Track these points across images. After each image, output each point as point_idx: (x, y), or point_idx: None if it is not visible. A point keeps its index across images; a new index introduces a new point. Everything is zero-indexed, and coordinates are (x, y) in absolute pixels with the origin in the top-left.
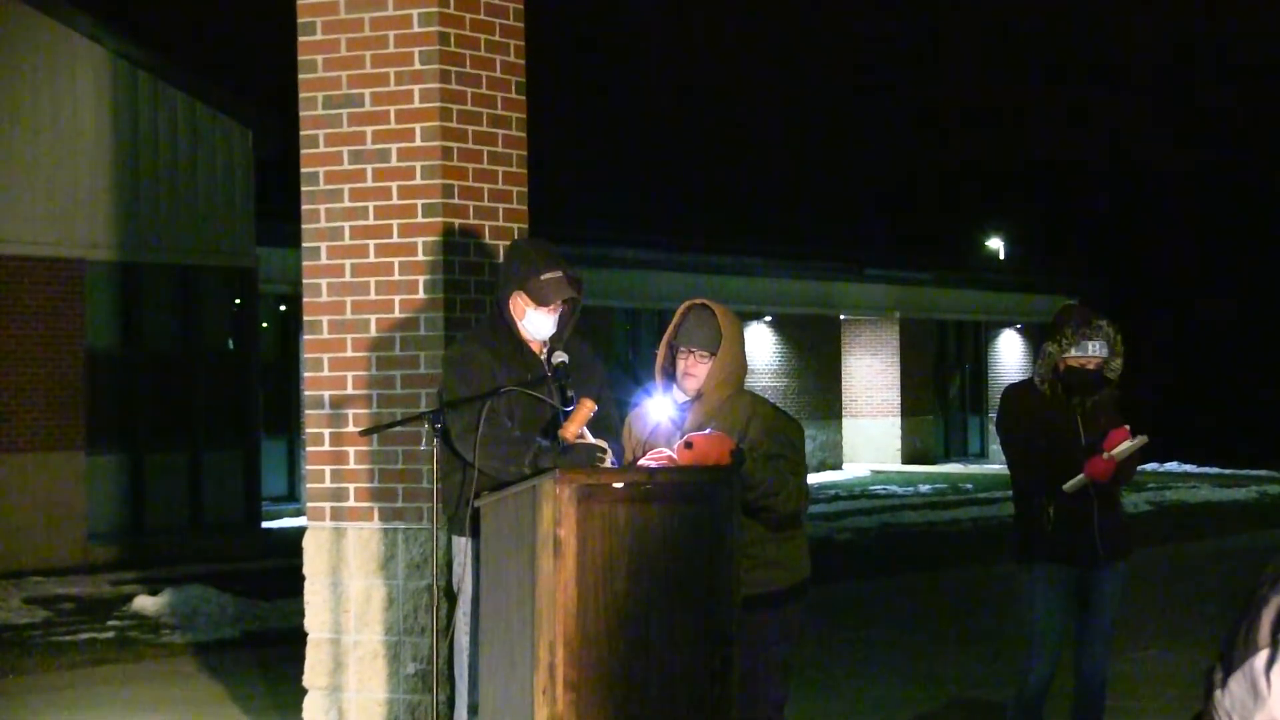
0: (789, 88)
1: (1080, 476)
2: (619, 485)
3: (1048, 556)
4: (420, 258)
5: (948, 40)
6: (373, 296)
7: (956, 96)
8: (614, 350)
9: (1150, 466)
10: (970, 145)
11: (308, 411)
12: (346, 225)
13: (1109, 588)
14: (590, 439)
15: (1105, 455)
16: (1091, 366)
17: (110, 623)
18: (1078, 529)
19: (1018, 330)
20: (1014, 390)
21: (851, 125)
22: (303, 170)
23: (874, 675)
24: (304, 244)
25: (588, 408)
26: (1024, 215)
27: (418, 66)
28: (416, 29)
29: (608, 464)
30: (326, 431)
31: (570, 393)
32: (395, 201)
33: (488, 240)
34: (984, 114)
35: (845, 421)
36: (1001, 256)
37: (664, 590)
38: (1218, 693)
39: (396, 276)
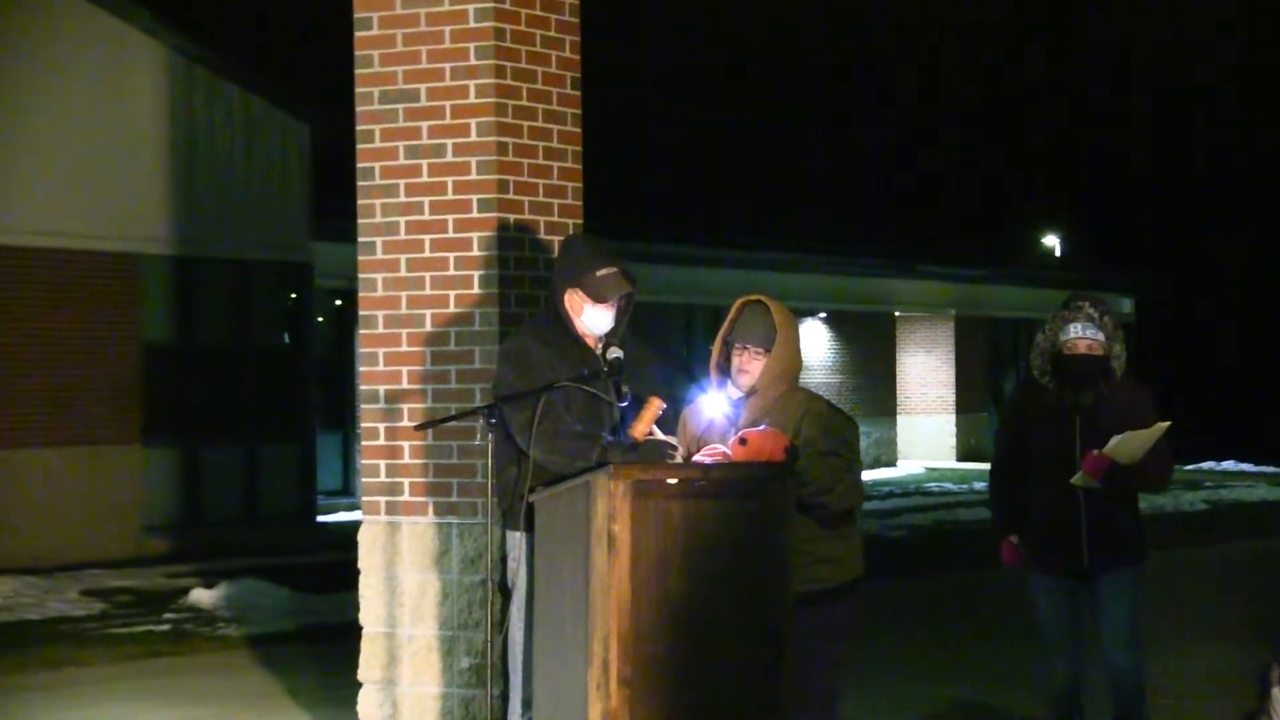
0: (845, 82)
1: (1080, 473)
2: (673, 481)
3: (1037, 562)
4: (475, 253)
5: (1003, 36)
6: (428, 291)
7: (1013, 92)
8: (669, 346)
9: (1207, 465)
10: (1027, 141)
11: (363, 406)
12: (402, 220)
13: (1110, 596)
14: (660, 436)
15: (1095, 452)
16: (1081, 350)
17: (166, 615)
18: (1062, 539)
19: None
20: (1018, 388)
21: (907, 121)
22: (358, 165)
23: (924, 673)
24: (359, 239)
25: (656, 406)
26: (1081, 211)
27: (473, 62)
28: (472, 24)
29: (678, 460)
30: (381, 426)
31: (625, 388)
32: (450, 196)
33: (542, 236)
34: (1040, 110)
35: (900, 418)
36: (1057, 253)
37: (717, 586)
38: (1276, 690)
39: (452, 271)
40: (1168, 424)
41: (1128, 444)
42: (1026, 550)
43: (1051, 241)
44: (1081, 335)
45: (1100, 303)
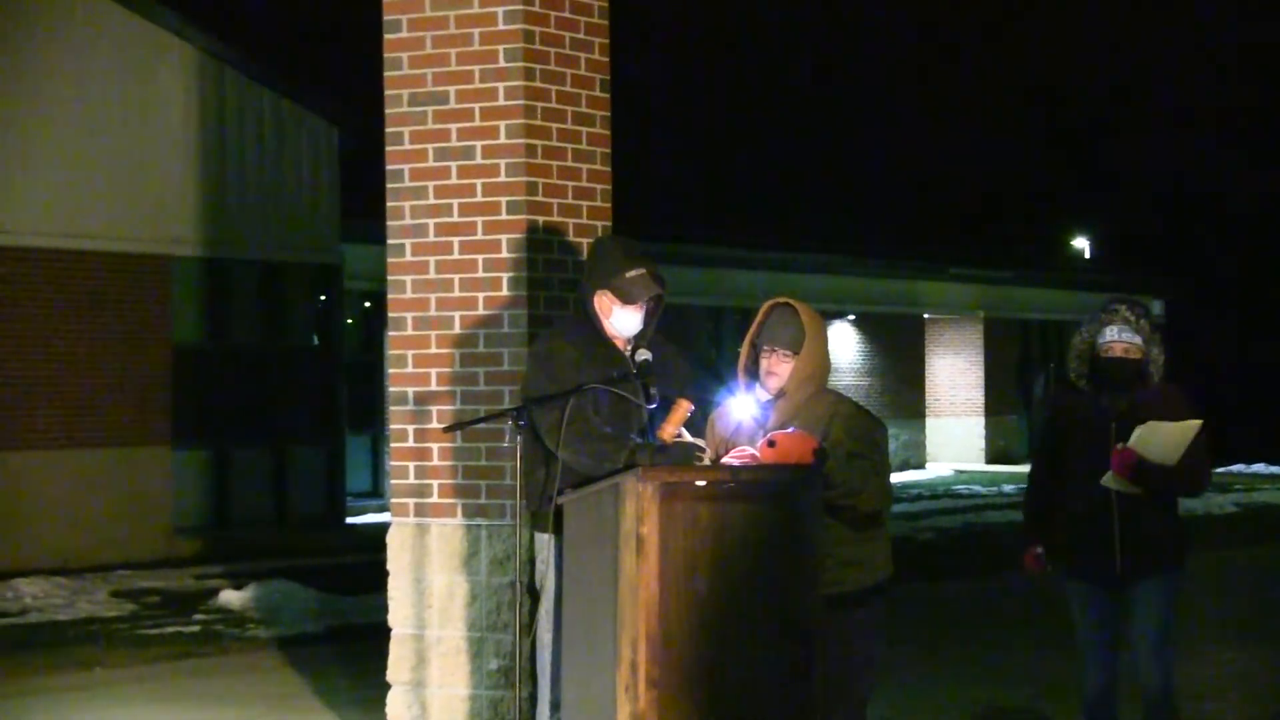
0: (873, 84)
1: (1110, 474)
2: (701, 483)
3: (1071, 570)
4: (504, 255)
5: (1030, 37)
6: (457, 293)
7: (1040, 93)
8: (697, 349)
9: (1236, 468)
10: (1057, 142)
11: (392, 408)
12: (431, 222)
13: (1143, 604)
14: (689, 438)
15: (1120, 445)
16: (1118, 353)
17: (196, 616)
18: (1095, 546)
19: None
20: (1055, 392)
21: (935, 123)
22: (388, 167)
23: (954, 676)
24: (389, 241)
25: (684, 408)
26: (1111, 214)
27: (502, 64)
28: (501, 27)
29: (705, 463)
30: (410, 428)
31: (653, 390)
32: (479, 199)
33: (571, 238)
34: (1069, 111)
35: (928, 421)
36: (1087, 255)
37: (745, 588)
38: None
39: (480, 274)
40: (1199, 422)
41: (1154, 436)
42: (1052, 559)
43: (1081, 243)
44: (1118, 338)
45: (1138, 305)
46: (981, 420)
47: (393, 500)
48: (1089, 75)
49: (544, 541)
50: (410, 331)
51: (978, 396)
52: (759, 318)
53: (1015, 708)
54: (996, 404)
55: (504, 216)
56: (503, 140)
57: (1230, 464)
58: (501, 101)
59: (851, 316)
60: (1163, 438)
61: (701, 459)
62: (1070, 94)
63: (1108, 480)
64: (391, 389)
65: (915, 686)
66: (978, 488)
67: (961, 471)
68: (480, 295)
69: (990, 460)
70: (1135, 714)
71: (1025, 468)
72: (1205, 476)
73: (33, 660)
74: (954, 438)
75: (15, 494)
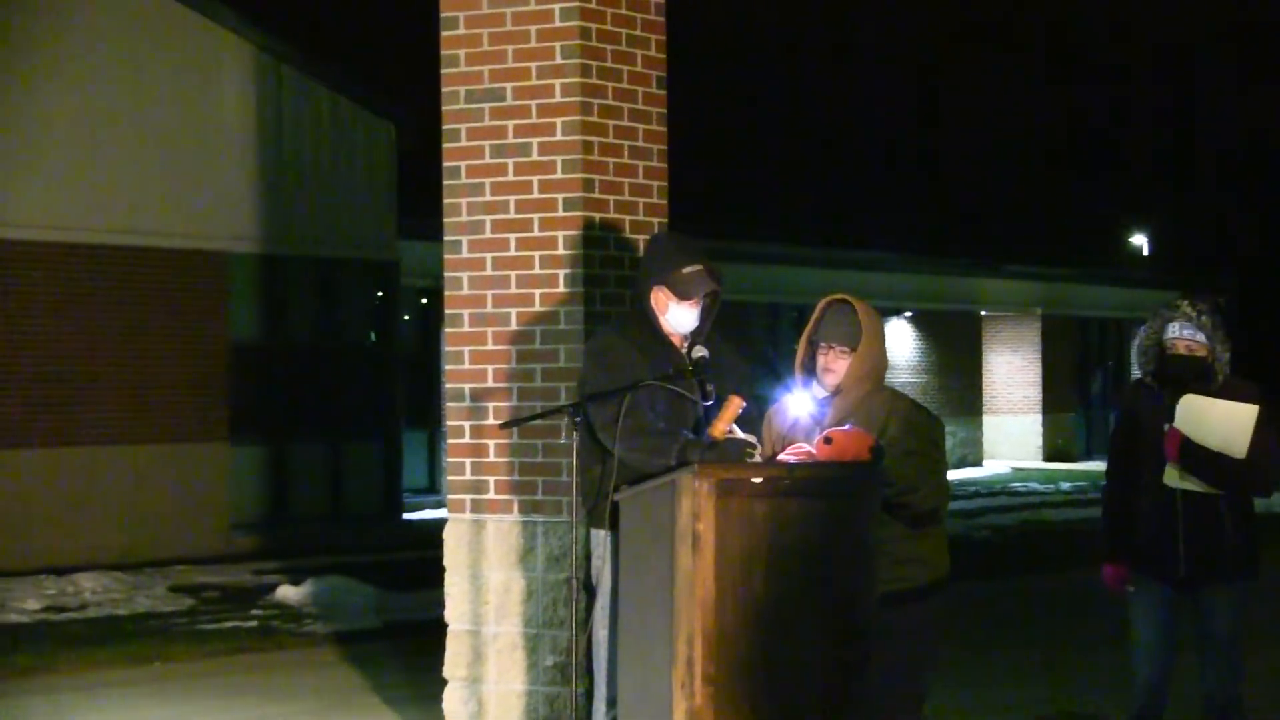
0: (928, 84)
1: (1168, 467)
2: (758, 480)
3: (1138, 568)
4: (560, 251)
5: (1088, 38)
6: (513, 290)
7: (1100, 91)
8: (754, 346)
9: None
10: (1114, 140)
11: (448, 404)
12: (487, 219)
13: (1207, 612)
14: (740, 434)
15: (1167, 426)
16: (1180, 350)
17: (253, 612)
18: (1160, 546)
19: None
20: (1129, 389)
21: (992, 121)
22: (444, 164)
23: (1011, 675)
24: (445, 238)
25: (736, 405)
26: (1169, 211)
27: (559, 61)
28: (558, 23)
29: (757, 459)
30: (467, 424)
31: (710, 387)
32: (536, 195)
33: (628, 234)
34: (1129, 108)
35: (985, 418)
36: (1145, 252)
37: (802, 585)
38: None
39: (537, 270)
40: (1255, 407)
41: (1203, 415)
42: (1130, 565)
43: (1139, 240)
44: (1180, 335)
45: (1202, 302)
46: (1039, 418)
47: (449, 496)
48: (1145, 68)
49: (600, 538)
50: (467, 328)
51: (1035, 394)
52: (816, 314)
53: (1072, 708)
54: (1053, 401)
55: (560, 213)
56: (559, 137)
57: None
58: (558, 98)
59: (908, 314)
60: (1215, 420)
61: (753, 455)
62: (1127, 88)
63: (1170, 479)
64: (448, 385)
65: (973, 685)
66: (1034, 485)
67: (1018, 469)
68: (537, 292)
69: (1047, 458)
70: (1188, 717)
71: (1082, 465)
72: (1272, 471)
73: (91, 655)
74: (1011, 435)
75: (75, 489)
